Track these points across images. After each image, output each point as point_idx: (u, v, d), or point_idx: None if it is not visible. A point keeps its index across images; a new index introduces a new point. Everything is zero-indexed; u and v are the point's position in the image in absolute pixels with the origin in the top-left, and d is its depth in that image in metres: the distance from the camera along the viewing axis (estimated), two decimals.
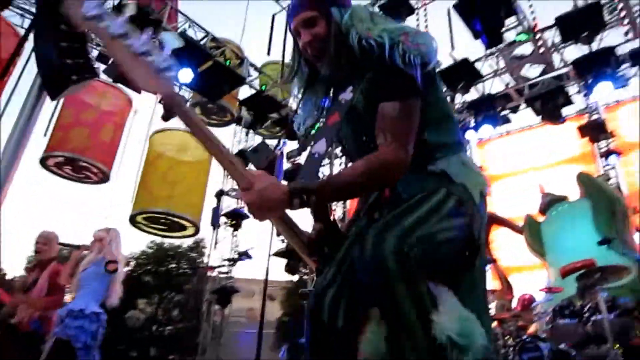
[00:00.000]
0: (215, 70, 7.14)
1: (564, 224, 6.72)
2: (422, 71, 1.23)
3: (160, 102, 1.19)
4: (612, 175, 8.90)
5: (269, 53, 8.55)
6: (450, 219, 1.18)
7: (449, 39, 7.77)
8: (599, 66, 7.32)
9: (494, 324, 5.28)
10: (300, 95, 1.43)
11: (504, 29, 7.26)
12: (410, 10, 8.26)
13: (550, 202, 6.93)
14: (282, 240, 8.94)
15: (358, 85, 1.28)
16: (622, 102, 9.46)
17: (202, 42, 7.63)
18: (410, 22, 8.57)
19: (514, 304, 5.84)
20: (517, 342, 4.75)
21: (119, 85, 7.96)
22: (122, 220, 10.33)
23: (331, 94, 1.41)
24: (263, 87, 8.32)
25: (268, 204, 1.10)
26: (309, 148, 1.30)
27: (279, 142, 8.44)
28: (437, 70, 1.39)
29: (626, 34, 7.82)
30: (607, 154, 8.75)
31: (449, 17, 7.72)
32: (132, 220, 10.27)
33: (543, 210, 7.01)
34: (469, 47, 8.01)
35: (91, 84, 7.30)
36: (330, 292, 1.24)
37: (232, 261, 10.72)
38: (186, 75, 6.85)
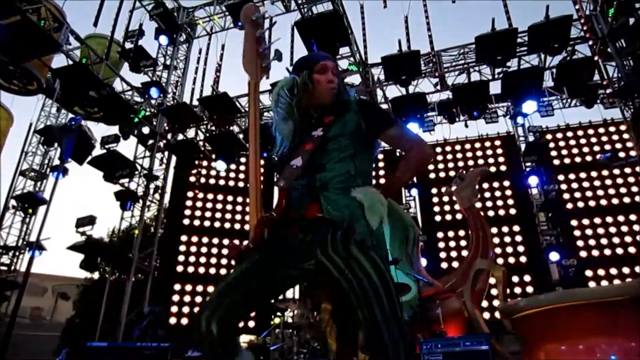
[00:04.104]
0: (23, 27, 6.12)
1: None
2: None
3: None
4: (412, 206, 10.08)
5: (95, 24, 7.71)
6: None
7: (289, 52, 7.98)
8: (411, 108, 8.26)
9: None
10: (287, 123, 1.76)
11: (337, 56, 7.73)
12: None
13: None
14: (81, 234, 8.01)
15: (328, 125, 1.69)
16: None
17: None
18: None
19: None
20: (308, 350, 5.04)
21: None
22: None
23: (297, 128, 1.76)
24: (84, 60, 7.38)
25: None
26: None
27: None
28: None
29: (435, 85, 9.02)
30: (410, 187, 9.85)
31: (292, 32, 7.96)
32: None
33: None
34: None
35: None
36: None
37: (17, 250, 9.27)
38: None
